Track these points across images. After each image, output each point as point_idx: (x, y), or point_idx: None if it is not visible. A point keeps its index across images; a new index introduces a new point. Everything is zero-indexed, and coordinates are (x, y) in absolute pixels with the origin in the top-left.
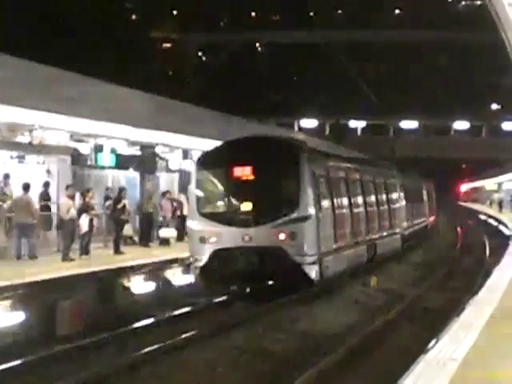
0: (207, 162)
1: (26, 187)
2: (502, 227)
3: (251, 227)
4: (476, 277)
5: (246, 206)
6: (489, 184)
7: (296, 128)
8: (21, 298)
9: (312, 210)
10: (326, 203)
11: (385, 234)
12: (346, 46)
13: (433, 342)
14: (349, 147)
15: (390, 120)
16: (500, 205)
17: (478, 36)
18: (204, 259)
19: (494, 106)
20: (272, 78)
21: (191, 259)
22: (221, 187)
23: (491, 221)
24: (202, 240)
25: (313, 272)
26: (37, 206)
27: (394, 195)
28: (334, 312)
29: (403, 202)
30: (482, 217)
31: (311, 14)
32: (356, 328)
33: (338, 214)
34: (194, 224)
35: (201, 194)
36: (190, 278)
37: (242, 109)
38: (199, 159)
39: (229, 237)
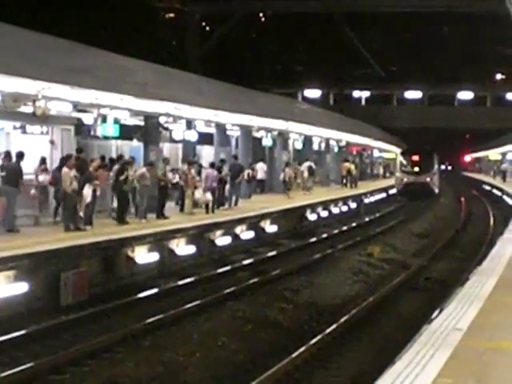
0: (403, 153)
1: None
2: (506, 197)
3: (418, 175)
4: (480, 247)
5: (416, 168)
6: (493, 154)
7: (300, 98)
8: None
9: (436, 170)
10: (438, 169)
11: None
12: (349, 16)
13: (437, 311)
14: (353, 117)
15: (394, 90)
16: (504, 175)
17: (482, 5)
18: (401, 186)
19: (499, 76)
20: (275, 49)
21: (395, 186)
22: (407, 162)
23: (495, 191)
24: (401, 179)
25: (436, 190)
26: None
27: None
28: (337, 282)
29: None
30: (487, 187)
31: None
32: (359, 298)
33: (439, 174)
34: (398, 174)
35: (400, 164)
36: (192, 249)
37: (245, 78)
38: (401, 152)
39: (410, 178)
